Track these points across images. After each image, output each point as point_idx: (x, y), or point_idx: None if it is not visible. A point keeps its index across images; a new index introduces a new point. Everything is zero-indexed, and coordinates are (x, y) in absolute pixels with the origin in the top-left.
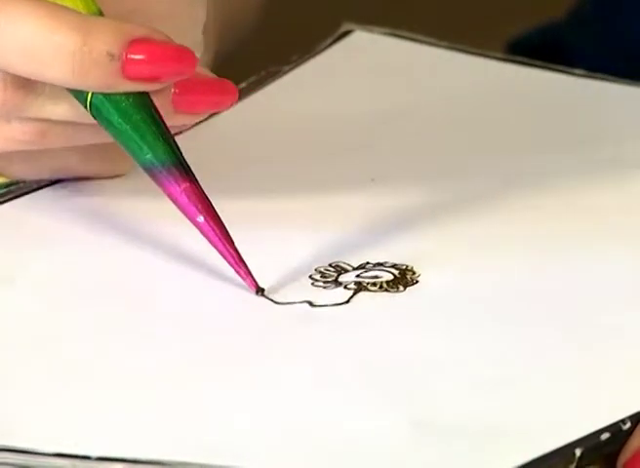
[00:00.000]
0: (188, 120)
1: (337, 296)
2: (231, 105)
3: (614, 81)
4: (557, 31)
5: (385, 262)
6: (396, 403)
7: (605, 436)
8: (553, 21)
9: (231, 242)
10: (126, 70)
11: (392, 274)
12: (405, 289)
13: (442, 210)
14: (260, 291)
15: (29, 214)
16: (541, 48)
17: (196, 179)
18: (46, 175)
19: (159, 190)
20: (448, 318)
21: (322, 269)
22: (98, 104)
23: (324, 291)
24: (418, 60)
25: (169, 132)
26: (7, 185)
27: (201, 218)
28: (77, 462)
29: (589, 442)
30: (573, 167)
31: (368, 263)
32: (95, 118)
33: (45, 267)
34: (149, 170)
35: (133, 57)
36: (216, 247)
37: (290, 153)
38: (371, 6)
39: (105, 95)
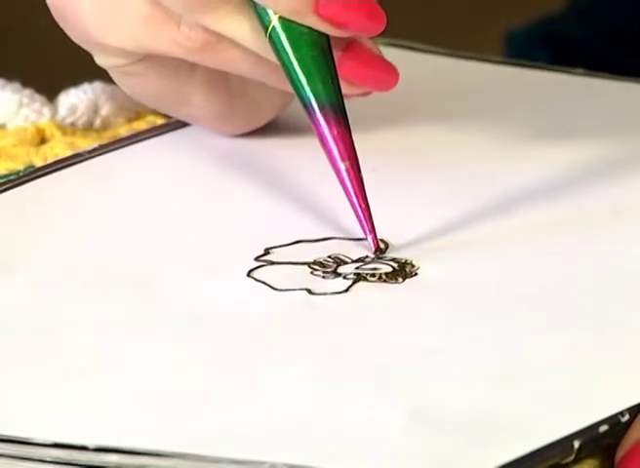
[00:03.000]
0: (344, 88)
1: (335, 285)
2: (390, 88)
3: (615, 79)
4: (555, 23)
5: (385, 256)
6: (395, 394)
7: (603, 428)
8: (551, 14)
9: (365, 196)
10: (319, 5)
11: (391, 267)
12: (404, 280)
13: (441, 203)
14: (379, 250)
15: (29, 204)
16: (540, 40)
17: (349, 129)
18: (175, 111)
19: (163, 182)
20: (446, 310)
21: (321, 260)
22: (278, 31)
23: (323, 280)
24: (418, 69)
25: (337, 78)
26: (6, 175)
27: (344, 165)
28: (74, 453)
29: (588, 434)
30: (572, 163)
31: (367, 257)
32: (271, 44)
33: (45, 257)
34: (307, 108)
35: None
36: (349, 197)
37: (289, 150)
38: None
39: (289, 24)
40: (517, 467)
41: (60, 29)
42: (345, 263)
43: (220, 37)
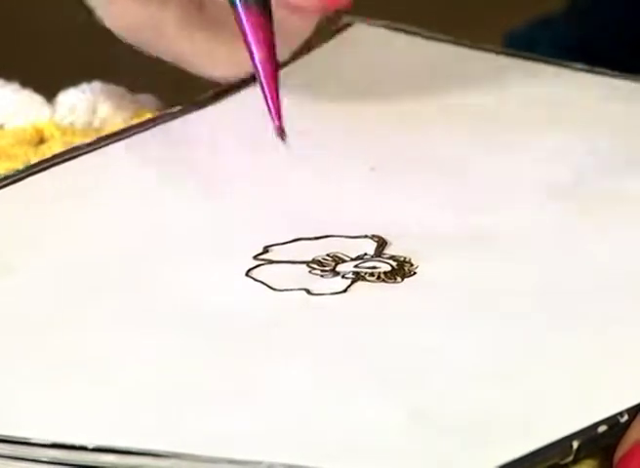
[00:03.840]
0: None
1: (334, 285)
2: (342, 5)
3: (615, 76)
4: (555, 23)
5: (384, 254)
6: (394, 394)
7: (602, 429)
8: (551, 14)
9: (277, 88)
10: None
11: (390, 265)
12: (402, 280)
13: (441, 202)
14: (282, 133)
15: (27, 201)
16: (540, 40)
17: (271, 22)
18: (154, 46)
19: (162, 178)
20: (445, 309)
21: (320, 258)
22: None
23: (321, 279)
24: (416, 53)
25: None
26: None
27: (261, 54)
28: (71, 453)
29: (587, 434)
30: (574, 157)
31: (366, 255)
32: None
33: (44, 255)
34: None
35: None
36: (261, 84)
37: (289, 142)
38: None
39: None
40: (516, 467)
41: (60, 29)
42: (344, 261)
43: None
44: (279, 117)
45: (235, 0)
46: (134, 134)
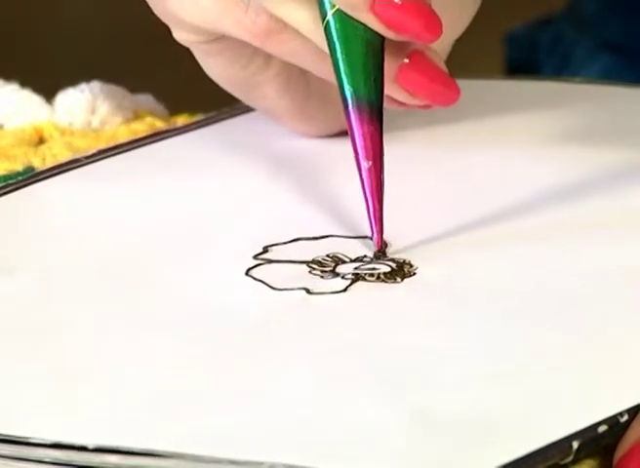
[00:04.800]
0: (402, 97)
1: (334, 285)
2: (450, 104)
3: (615, 84)
4: (556, 24)
5: (384, 255)
6: (394, 394)
7: (602, 429)
8: (551, 14)
9: (380, 198)
10: (376, 4)
11: (390, 266)
12: (402, 280)
13: (440, 203)
14: (381, 252)
15: (29, 206)
16: (540, 41)
17: (381, 130)
18: (250, 100)
19: (160, 183)
20: (445, 310)
21: (320, 259)
22: (334, 22)
23: (321, 280)
24: None
25: (382, 80)
26: (5, 176)
27: (367, 164)
28: (72, 453)
29: (587, 434)
30: (569, 164)
31: (366, 256)
32: (326, 35)
33: (45, 259)
34: (344, 101)
35: None
36: (364, 195)
37: (288, 148)
38: None
39: (346, 18)
40: (516, 467)
41: (59, 29)
42: (344, 263)
43: (285, 26)
44: (380, 231)
45: (348, 107)
46: (135, 147)
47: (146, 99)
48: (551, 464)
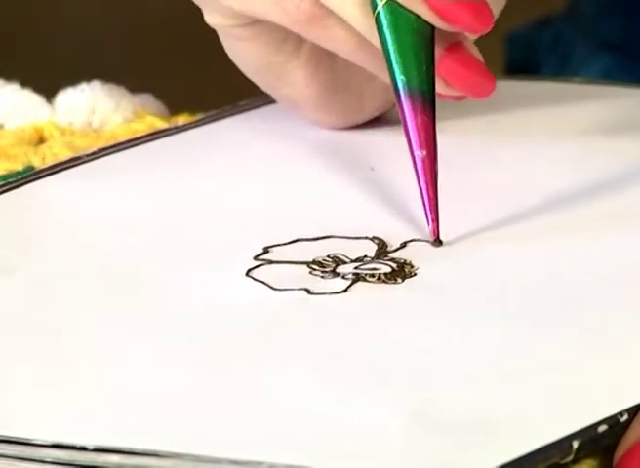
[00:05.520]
0: (438, 87)
1: (334, 286)
2: (485, 95)
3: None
4: (554, 25)
5: (384, 256)
6: (395, 394)
7: (602, 428)
8: (551, 14)
9: (435, 187)
10: None
11: (390, 267)
12: (403, 281)
13: (439, 202)
14: (438, 241)
15: (28, 204)
16: (539, 42)
17: (434, 119)
18: (274, 88)
19: (161, 183)
20: (445, 310)
21: (320, 260)
22: (385, 13)
23: (321, 280)
24: None
25: (433, 69)
26: (5, 176)
27: (421, 154)
28: (74, 453)
29: (587, 434)
30: (569, 164)
31: (366, 257)
32: (377, 25)
33: (44, 258)
34: (397, 91)
35: None
36: (419, 184)
37: (288, 148)
38: None
39: (397, 8)
40: (516, 467)
41: (59, 29)
42: (344, 263)
43: (328, 13)
44: (436, 221)
45: (401, 97)
46: (134, 145)
47: (146, 99)
48: (551, 464)
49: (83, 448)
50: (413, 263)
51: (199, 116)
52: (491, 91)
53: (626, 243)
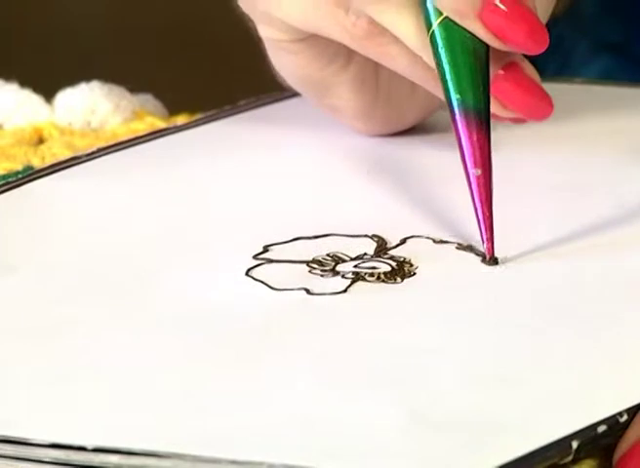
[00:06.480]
0: (494, 108)
1: (334, 285)
2: (543, 118)
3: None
4: (554, 26)
5: (384, 254)
6: (394, 394)
7: (602, 429)
8: (550, 16)
9: (490, 205)
10: (484, 12)
11: (390, 265)
12: (402, 280)
13: (437, 203)
14: (492, 260)
15: (28, 204)
16: None
17: (489, 138)
18: (318, 98)
19: (161, 182)
20: (445, 310)
21: (320, 258)
22: (440, 32)
23: (321, 279)
24: None
25: (488, 87)
26: (5, 176)
27: (477, 172)
28: (72, 453)
29: (586, 434)
30: (568, 164)
31: (365, 254)
32: (432, 44)
33: (45, 258)
34: (452, 109)
35: (497, 3)
36: (474, 203)
37: (289, 148)
38: None
39: (452, 27)
40: (516, 467)
41: (59, 29)
42: (344, 261)
43: (384, 30)
44: (491, 241)
45: (455, 115)
46: (134, 144)
47: (146, 99)
48: (551, 464)
49: (82, 449)
50: (412, 262)
51: (198, 116)
52: (548, 114)
53: (627, 241)
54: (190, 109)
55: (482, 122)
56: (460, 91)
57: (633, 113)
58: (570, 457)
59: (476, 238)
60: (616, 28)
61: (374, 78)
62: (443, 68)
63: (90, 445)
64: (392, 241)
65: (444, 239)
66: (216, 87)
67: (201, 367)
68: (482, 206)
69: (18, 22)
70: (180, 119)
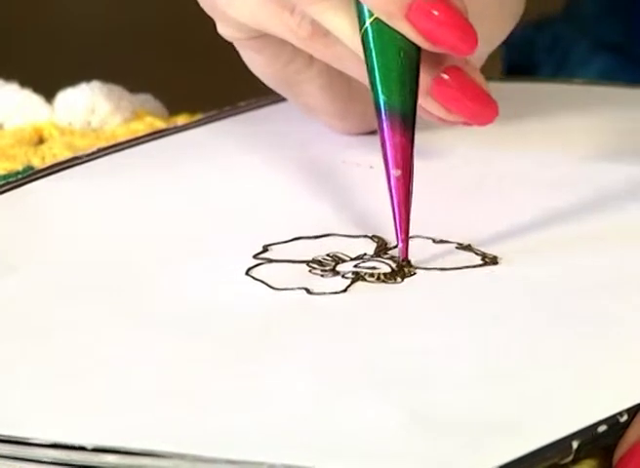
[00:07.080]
0: (438, 111)
1: (334, 285)
2: (485, 123)
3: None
4: (553, 26)
5: (384, 254)
6: (394, 394)
7: (602, 429)
8: (549, 16)
9: (407, 207)
10: (411, 12)
11: (389, 266)
12: (402, 280)
13: (439, 203)
14: (405, 261)
15: (28, 205)
16: (537, 43)
17: (413, 140)
18: (291, 96)
19: (161, 182)
20: (445, 310)
21: (320, 258)
22: (372, 31)
23: (321, 279)
24: None
25: (416, 90)
26: (5, 176)
27: (397, 173)
28: (71, 453)
29: (586, 434)
30: (567, 164)
31: (365, 254)
32: (363, 44)
33: (44, 257)
34: (377, 110)
35: (424, 4)
36: (392, 204)
37: (288, 147)
38: None
39: (384, 27)
40: (516, 467)
41: (59, 29)
42: (344, 261)
43: (328, 31)
44: (406, 241)
45: (381, 115)
46: (134, 144)
47: (146, 99)
48: (551, 464)
49: (81, 448)
50: (412, 263)
51: (198, 116)
52: (491, 119)
53: (627, 241)
54: (190, 109)
55: (406, 124)
56: (385, 91)
57: (633, 113)
58: (570, 457)
59: (476, 238)
60: (616, 28)
61: (343, 75)
62: (372, 68)
63: (89, 444)
64: (392, 241)
65: (444, 239)
66: (216, 87)
67: (201, 366)
68: (399, 207)
69: (18, 22)
70: (180, 119)
